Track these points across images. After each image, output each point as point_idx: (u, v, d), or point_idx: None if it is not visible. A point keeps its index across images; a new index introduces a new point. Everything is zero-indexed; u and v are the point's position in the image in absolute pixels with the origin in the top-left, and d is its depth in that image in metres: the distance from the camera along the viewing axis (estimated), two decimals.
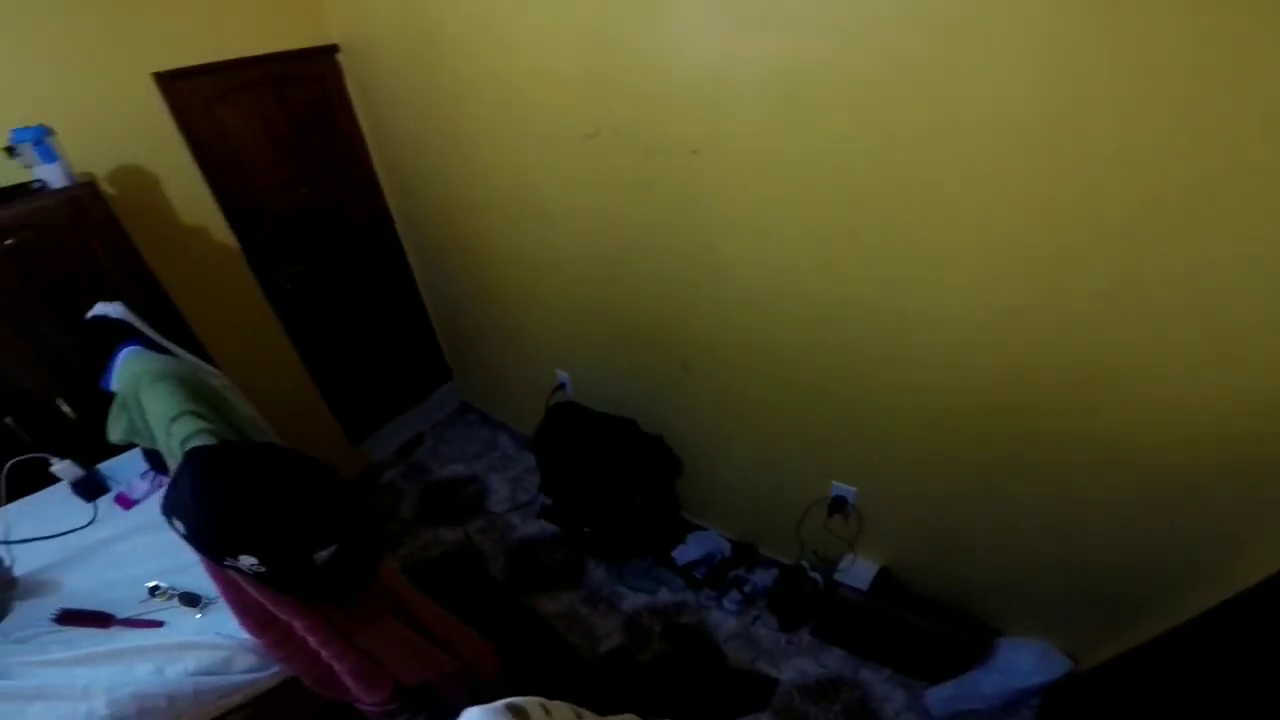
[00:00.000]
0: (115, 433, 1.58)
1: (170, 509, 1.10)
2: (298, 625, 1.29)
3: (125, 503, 1.78)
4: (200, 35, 2.38)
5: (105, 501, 1.80)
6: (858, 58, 1.39)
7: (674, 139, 1.81)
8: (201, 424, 1.31)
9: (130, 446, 1.81)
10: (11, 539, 1.69)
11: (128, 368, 1.54)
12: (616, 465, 2.53)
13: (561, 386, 2.91)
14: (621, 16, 1.73)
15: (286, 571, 1.11)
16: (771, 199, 1.72)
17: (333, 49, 2.72)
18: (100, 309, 1.68)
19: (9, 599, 1.51)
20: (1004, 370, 1.56)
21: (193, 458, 1.11)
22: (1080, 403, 1.49)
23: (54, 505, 1.81)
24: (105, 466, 1.93)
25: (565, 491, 2.75)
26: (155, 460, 1.66)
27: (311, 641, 1.33)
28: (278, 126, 2.69)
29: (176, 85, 2.37)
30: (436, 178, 2.74)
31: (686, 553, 2.62)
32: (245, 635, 1.38)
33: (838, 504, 2.14)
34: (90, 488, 1.81)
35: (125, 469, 1.91)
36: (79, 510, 1.78)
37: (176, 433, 1.29)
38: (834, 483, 2.15)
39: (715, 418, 2.36)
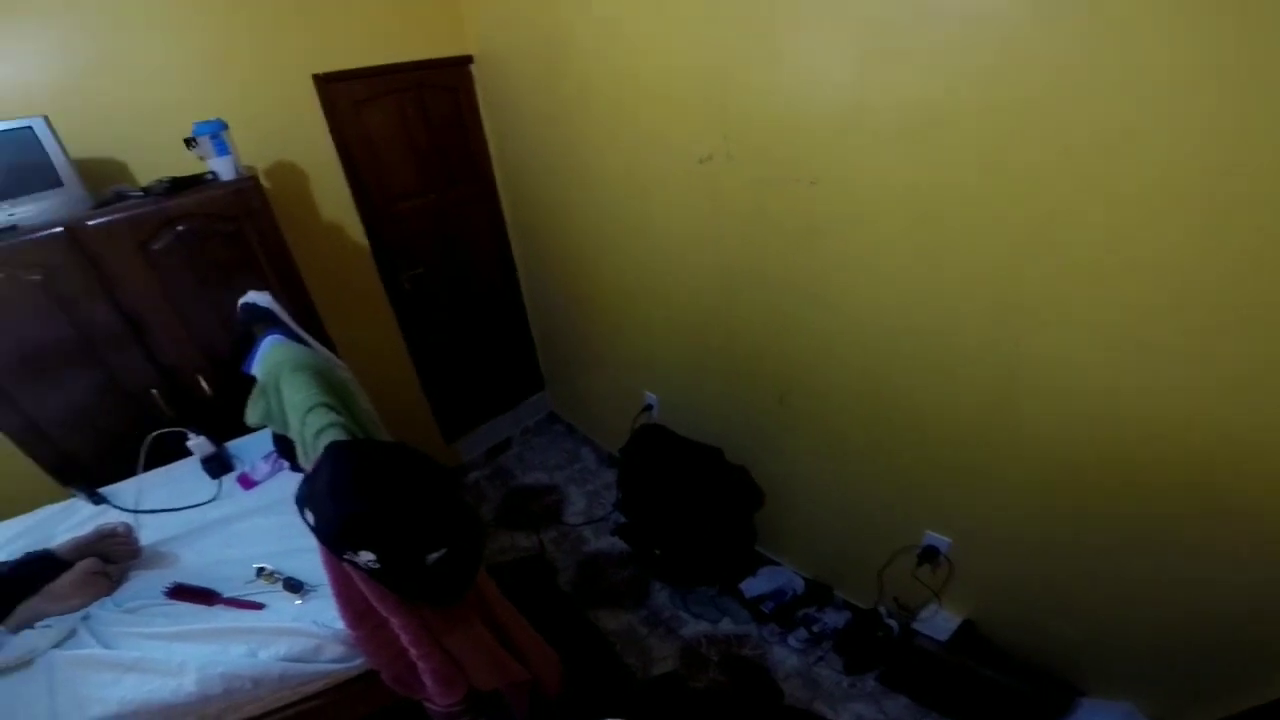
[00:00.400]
0: (253, 416, 1.64)
1: (304, 500, 1.12)
2: (394, 622, 1.29)
3: (247, 483, 1.84)
4: (356, 41, 2.53)
5: (229, 480, 1.88)
6: (1004, 90, 1.30)
7: (792, 168, 1.76)
8: (334, 416, 1.35)
9: (262, 429, 1.89)
10: (141, 508, 1.79)
11: (271, 356, 1.60)
12: (697, 492, 2.48)
13: (649, 408, 2.88)
14: (747, 44, 1.70)
15: (399, 570, 1.11)
16: (893, 237, 1.63)
17: (467, 60, 2.84)
18: (251, 297, 1.78)
19: (128, 568, 1.58)
20: (1138, 433, 1.42)
21: (333, 454, 1.13)
22: (1211, 467, 1.35)
23: (183, 478, 1.90)
24: (233, 445, 2.02)
25: (641, 512, 2.73)
26: (283, 446, 1.71)
27: (403, 639, 1.33)
28: (415, 132, 2.81)
29: (332, 87, 2.52)
30: (550, 191, 2.79)
31: (755, 585, 2.55)
32: (340, 626, 1.39)
33: (929, 553, 2.02)
34: (218, 465, 1.89)
35: (250, 449, 1.98)
36: (205, 485, 1.86)
37: (311, 423, 1.34)
38: (928, 532, 2.02)
39: (808, 455, 2.28)
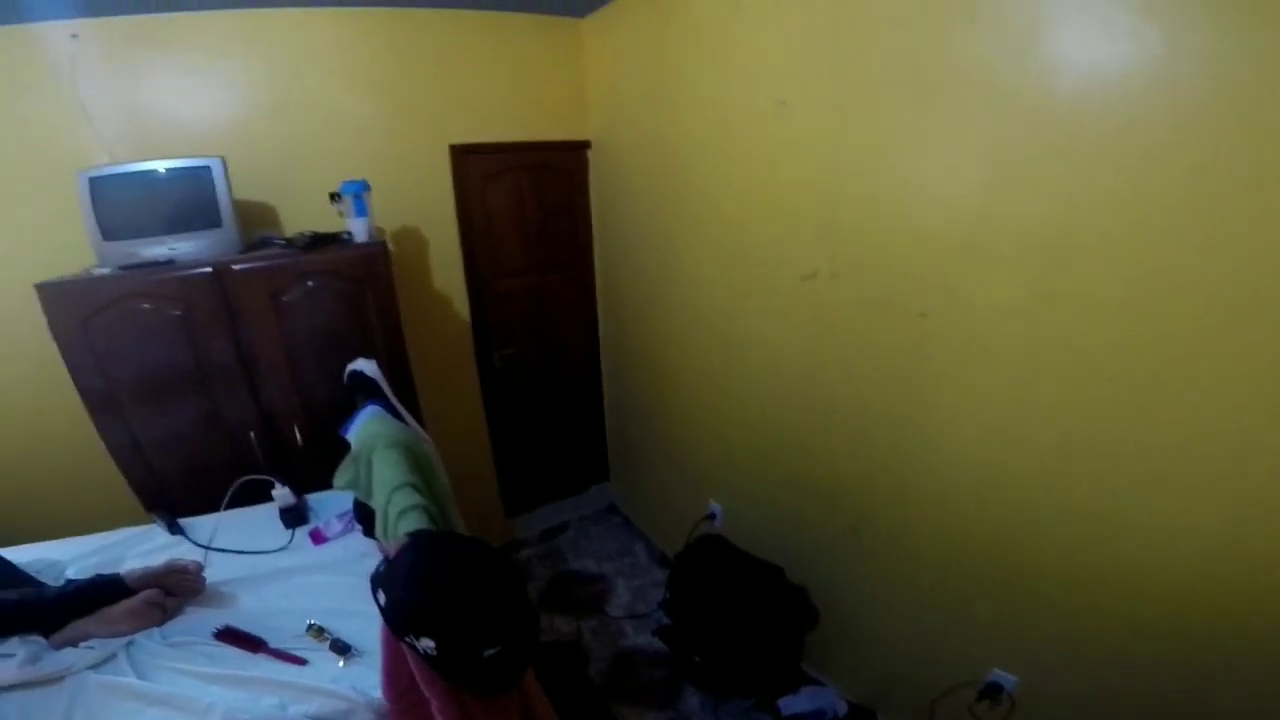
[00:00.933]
0: (341, 480, 1.68)
1: (379, 580, 1.13)
2: (435, 704, 1.24)
3: (318, 538, 1.85)
4: (489, 118, 2.73)
5: (301, 532, 1.89)
6: (1158, 226, 1.20)
7: (901, 296, 1.71)
8: (417, 498, 1.39)
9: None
10: (213, 545, 1.82)
11: (368, 427, 1.66)
12: (750, 608, 2.36)
13: (712, 517, 2.79)
14: (866, 163, 1.70)
15: (456, 660, 1.09)
16: (1004, 378, 1.53)
17: (585, 145, 3.00)
18: (359, 364, 1.87)
19: (184, 603, 1.59)
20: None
21: (415, 544, 1.14)
22: None
23: (259, 523, 1.93)
24: (311, 498, 2.05)
25: (688, 617, 2.61)
26: (362, 512, 1.74)
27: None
28: (528, 211, 2.95)
29: (464, 159, 2.71)
30: (644, 285, 2.85)
31: (794, 704, 2.36)
32: (377, 695, 1.35)
33: (991, 690, 1.80)
34: (294, 516, 1.92)
35: (327, 506, 2.00)
36: (278, 534, 1.88)
37: (396, 501, 1.37)
38: (995, 669, 1.80)
39: (874, 584, 2.12)
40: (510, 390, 3.20)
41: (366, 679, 1.39)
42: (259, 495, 1.99)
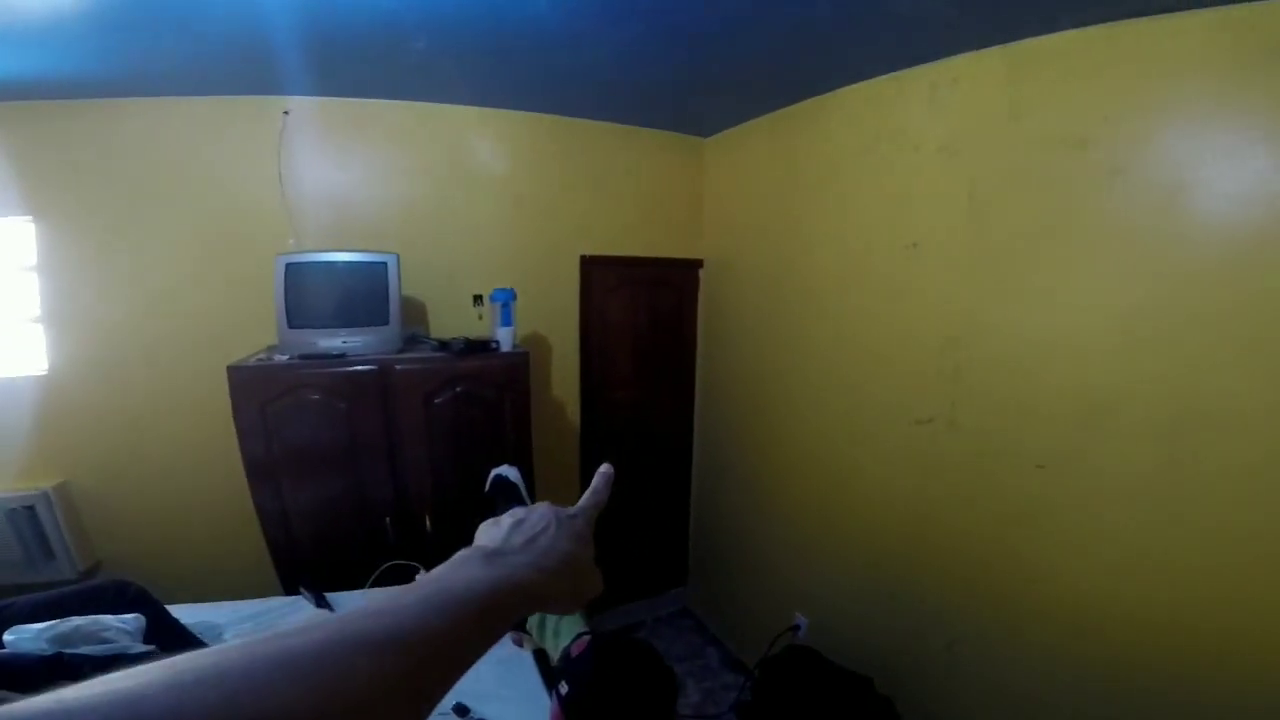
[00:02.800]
0: None
1: (563, 675, 1.27)
2: None
3: None
4: (616, 231, 2.96)
5: None
6: None
7: (1020, 447, 1.76)
8: None
9: None
10: None
11: None
12: (836, 714, 2.26)
13: (796, 628, 2.78)
14: (998, 314, 1.77)
15: None
16: (1129, 531, 1.55)
17: (698, 264, 3.19)
18: (505, 470, 2.06)
19: None
20: None
21: (601, 644, 1.29)
22: None
23: None
24: None
25: None
26: None
27: None
28: (641, 325, 3.16)
29: (591, 270, 2.94)
30: (745, 403, 2.95)
31: None
32: None
33: None
34: None
35: None
36: None
37: None
38: None
39: (967, 699, 2.05)
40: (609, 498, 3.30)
41: None
42: (390, 578, 2.15)
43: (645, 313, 3.18)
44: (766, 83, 2.30)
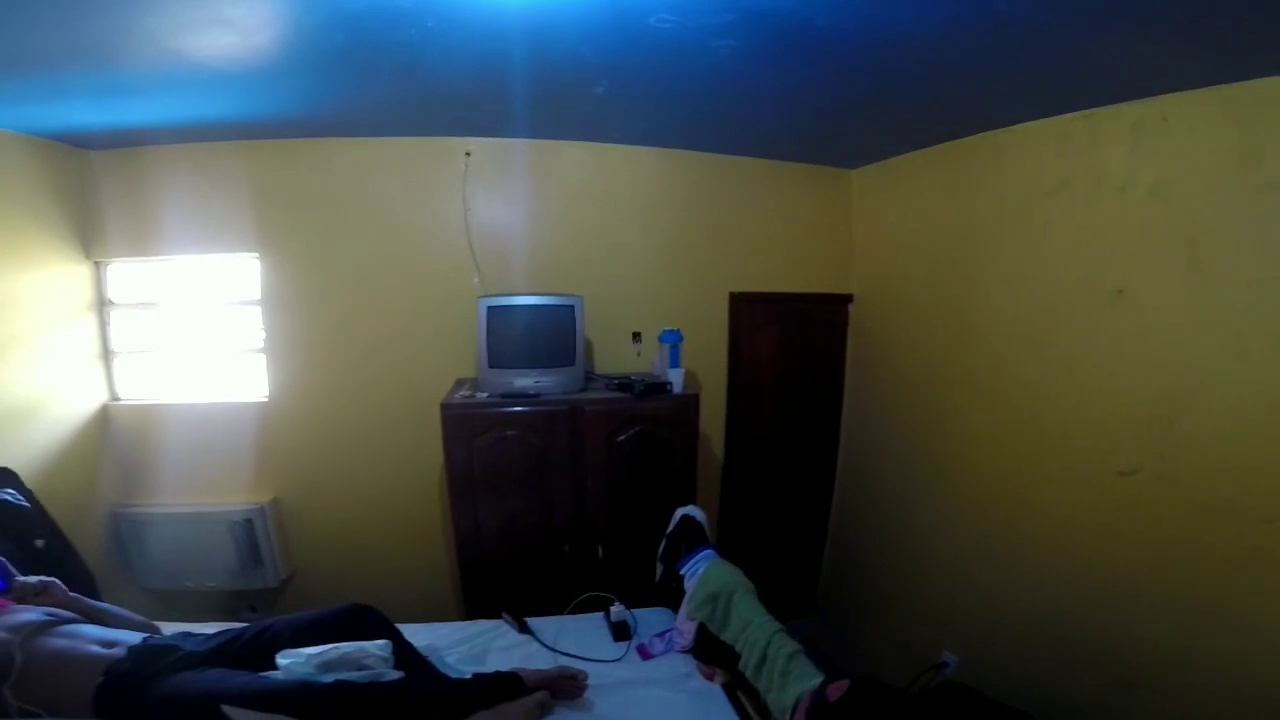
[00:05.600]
0: (699, 613, 1.99)
1: (821, 714, 1.36)
2: None
3: (644, 654, 2.08)
4: (763, 267, 3.01)
5: (627, 646, 2.11)
6: None
7: (1245, 504, 1.63)
8: (795, 643, 1.72)
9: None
10: (558, 648, 2.08)
11: (721, 571, 2.02)
12: None
13: (944, 665, 2.70)
14: (1222, 367, 1.65)
15: None
16: None
17: (848, 299, 3.17)
18: (691, 510, 2.22)
19: (557, 705, 1.80)
20: None
21: (861, 687, 1.38)
22: None
23: (591, 632, 2.20)
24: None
25: None
26: (706, 640, 2.00)
27: None
28: (788, 362, 3.17)
29: (739, 306, 3.00)
30: (896, 440, 2.90)
31: None
32: None
33: None
34: (619, 629, 2.18)
35: (644, 623, 2.24)
36: (608, 644, 2.13)
37: (780, 644, 1.70)
38: None
39: None
40: (742, 530, 3.37)
41: None
42: (588, 606, 2.33)
43: (792, 347, 3.19)
44: (930, 117, 2.29)
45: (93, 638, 1.68)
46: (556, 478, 2.47)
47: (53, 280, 2.49)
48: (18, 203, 2.32)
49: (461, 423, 2.38)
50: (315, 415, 2.83)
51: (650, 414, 2.49)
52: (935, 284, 2.65)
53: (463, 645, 2.11)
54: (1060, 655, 2.22)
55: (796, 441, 3.35)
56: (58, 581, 1.82)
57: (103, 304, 2.76)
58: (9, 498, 2.24)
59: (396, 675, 1.76)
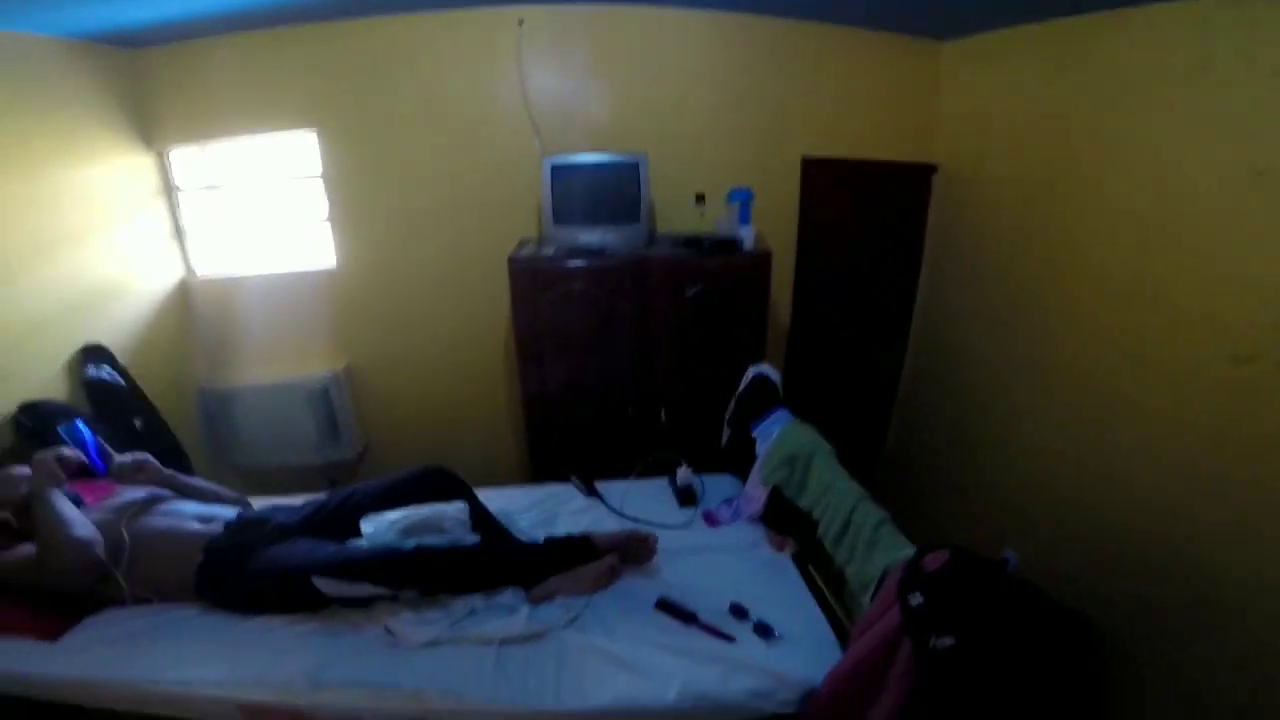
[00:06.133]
0: (775, 475, 1.91)
1: (914, 586, 1.24)
2: (885, 702, 1.30)
3: (710, 520, 2.06)
4: (838, 134, 2.79)
5: (693, 512, 2.10)
6: None
7: None
8: (882, 512, 1.59)
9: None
10: (625, 512, 2.09)
11: (799, 432, 1.89)
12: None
13: (1005, 563, 2.56)
14: None
15: (967, 661, 1.18)
16: None
17: (931, 169, 2.89)
18: (765, 369, 2.09)
19: (625, 568, 1.80)
20: None
21: (961, 557, 1.27)
22: None
23: (656, 497, 2.19)
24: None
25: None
26: (779, 505, 1.93)
27: (877, 714, 1.32)
28: (862, 232, 2.96)
29: (811, 171, 2.80)
30: (978, 315, 2.67)
31: None
32: (801, 677, 1.43)
33: None
34: (685, 495, 2.16)
35: (711, 489, 2.21)
36: (673, 510, 2.12)
37: (866, 511, 1.58)
38: None
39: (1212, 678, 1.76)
40: (804, 400, 3.17)
41: (789, 660, 1.50)
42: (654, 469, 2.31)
43: (867, 216, 2.97)
44: None
45: (191, 514, 1.78)
46: (621, 336, 2.46)
47: (119, 172, 2.57)
48: (75, 103, 2.36)
49: (528, 276, 2.38)
50: (382, 281, 2.89)
51: (719, 270, 2.40)
52: (1033, 163, 2.36)
53: (533, 509, 2.14)
54: (1133, 567, 1.99)
55: (866, 314, 3.15)
56: (151, 458, 1.90)
57: (170, 189, 2.82)
58: (105, 376, 2.37)
59: (474, 539, 1.81)
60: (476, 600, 1.64)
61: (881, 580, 1.45)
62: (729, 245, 2.43)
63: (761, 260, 2.41)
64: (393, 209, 2.81)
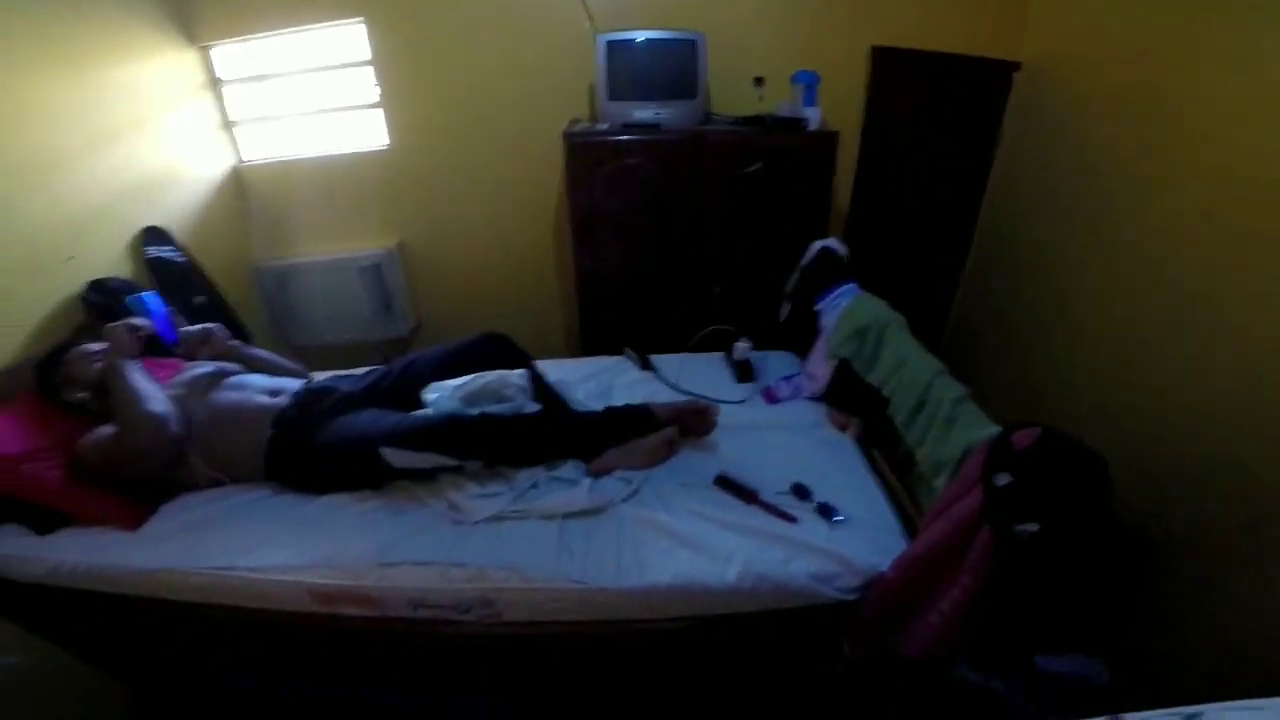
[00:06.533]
0: (844, 349, 1.79)
1: (1002, 466, 1.16)
2: (964, 582, 1.25)
3: (770, 397, 1.98)
4: (910, 24, 2.52)
5: (751, 388, 2.02)
6: None
7: None
8: (961, 389, 1.45)
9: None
10: (680, 386, 2.03)
11: (871, 304, 1.77)
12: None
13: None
14: None
15: (1049, 547, 1.12)
16: None
17: (1012, 66, 2.56)
18: (831, 243, 1.93)
19: (683, 442, 1.75)
20: None
21: (1051, 436, 1.17)
22: None
23: (712, 372, 2.11)
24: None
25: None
26: (844, 382, 1.82)
27: (946, 603, 1.29)
28: (931, 124, 2.65)
29: (881, 60, 2.56)
30: (1058, 225, 2.39)
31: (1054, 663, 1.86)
32: (866, 562, 1.38)
33: None
34: (742, 370, 2.08)
35: (769, 366, 2.12)
36: (730, 386, 2.04)
37: (944, 387, 1.45)
38: None
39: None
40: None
41: (852, 544, 1.44)
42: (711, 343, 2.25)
43: (937, 109, 2.62)
44: None
45: (259, 387, 1.77)
46: (676, 211, 2.38)
47: (163, 68, 2.56)
48: (115, 2, 2.35)
49: (584, 151, 2.35)
50: (433, 160, 2.86)
51: (780, 149, 2.29)
52: (1134, 63, 2.00)
53: (588, 381, 2.10)
54: (1209, 477, 1.77)
55: (930, 207, 2.87)
56: (216, 327, 1.89)
57: (215, 83, 2.80)
58: (166, 255, 2.39)
59: (535, 408, 1.77)
60: (538, 473, 1.62)
61: (961, 461, 1.36)
62: (793, 124, 2.33)
63: (828, 140, 2.30)
64: (444, 90, 2.76)
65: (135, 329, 1.66)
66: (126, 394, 1.53)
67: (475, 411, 1.68)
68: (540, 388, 1.84)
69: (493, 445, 1.60)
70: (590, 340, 2.61)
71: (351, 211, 2.96)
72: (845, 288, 1.89)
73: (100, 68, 2.26)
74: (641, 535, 1.48)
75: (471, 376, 1.75)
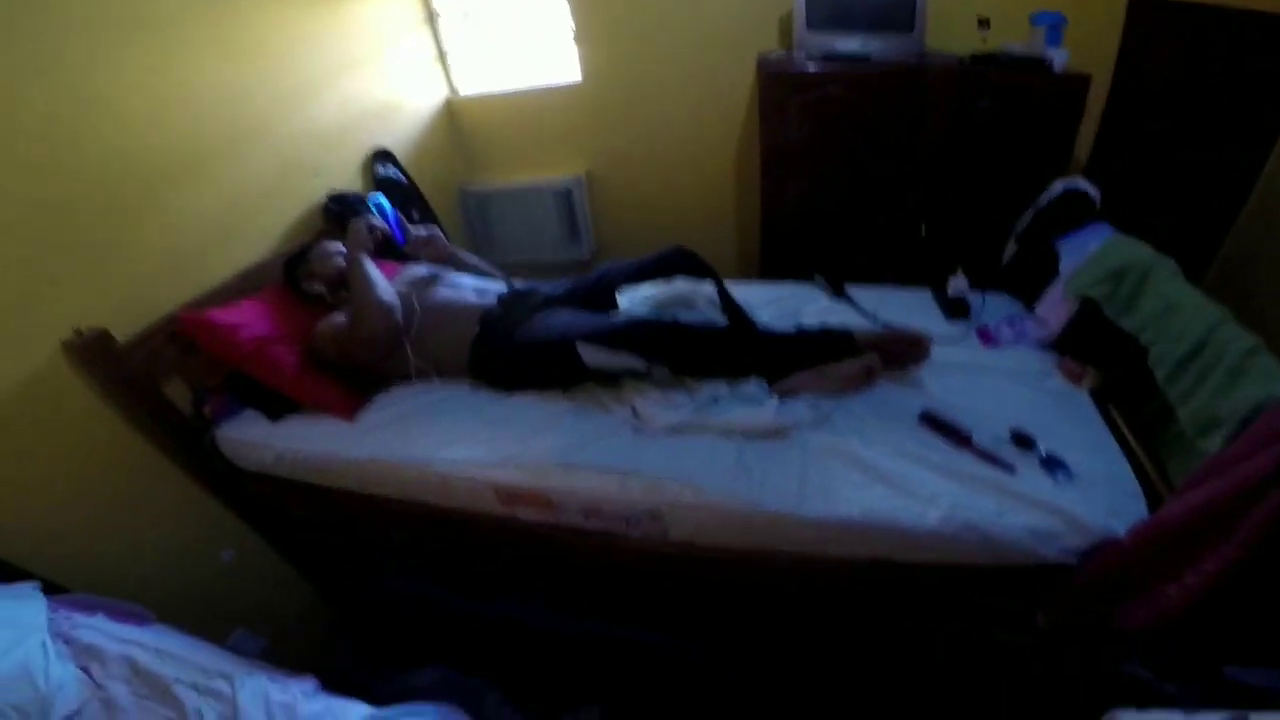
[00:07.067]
0: (1093, 289, 1.54)
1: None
2: (1222, 556, 1.06)
3: (986, 338, 1.76)
4: None
5: (965, 327, 1.81)
6: None
7: None
8: (1254, 338, 1.19)
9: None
10: (880, 318, 1.83)
11: (1130, 244, 1.54)
12: None
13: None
14: None
15: None
16: None
17: None
18: (1078, 183, 1.70)
19: (885, 374, 1.58)
20: None
21: None
22: None
23: (919, 307, 1.90)
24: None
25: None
26: (1088, 327, 1.59)
27: (1194, 576, 1.10)
28: (1197, 81, 2.05)
29: (1140, 9, 2.10)
30: None
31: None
32: (1098, 524, 1.20)
33: None
34: (955, 308, 1.86)
35: (989, 306, 1.88)
36: (937, 323, 1.83)
37: (1232, 335, 1.21)
38: None
39: None
40: None
41: (1081, 504, 1.25)
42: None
43: (1207, 71, 2.02)
44: None
45: (469, 286, 1.89)
46: (882, 147, 2.17)
47: (387, 4, 2.72)
48: None
49: (780, 82, 2.20)
50: (622, 93, 2.89)
51: (1016, 89, 2.00)
52: None
53: (773, 305, 1.94)
54: None
55: (1185, 182, 2.22)
56: (440, 232, 2.05)
57: (431, 16, 2.95)
58: (392, 174, 2.64)
59: (723, 322, 1.72)
60: (721, 387, 1.55)
61: (1247, 420, 1.14)
62: (1035, 64, 2.02)
63: (1079, 83, 1.94)
64: (635, 24, 2.75)
65: (374, 228, 1.82)
66: (363, 281, 1.68)
67: (668, 317, 1.66)
68: (727, 303, 1.75)
69: (681, 350, 1.57)
70: (771, 271, 2.50)
71: (545, 141, 3.08)
72: (1095, 228, 1.64)
73: (336, 3, 2.43)
74: (829, 464, 1.37)
75: (664, 284, 1.72)
